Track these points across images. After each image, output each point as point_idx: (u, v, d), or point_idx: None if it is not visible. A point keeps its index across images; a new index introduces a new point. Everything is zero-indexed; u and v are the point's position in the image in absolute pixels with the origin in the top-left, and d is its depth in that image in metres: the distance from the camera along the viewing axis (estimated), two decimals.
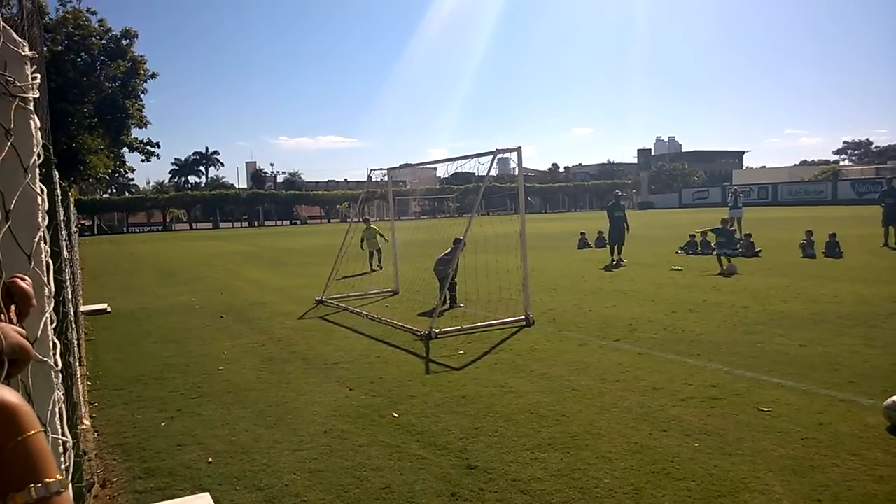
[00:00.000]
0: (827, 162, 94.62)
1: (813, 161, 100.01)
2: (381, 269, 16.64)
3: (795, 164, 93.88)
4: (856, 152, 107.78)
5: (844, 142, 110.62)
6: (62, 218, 4.89)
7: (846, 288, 10.80)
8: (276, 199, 75.52)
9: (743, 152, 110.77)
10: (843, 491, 3.67)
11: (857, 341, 7.10)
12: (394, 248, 13.43)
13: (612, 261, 16.29)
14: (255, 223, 71.64)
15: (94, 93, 40.98)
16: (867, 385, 5.55)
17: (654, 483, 3.89)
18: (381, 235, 16.75)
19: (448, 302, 10.15)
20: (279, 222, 72.97)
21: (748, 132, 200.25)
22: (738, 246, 17.45)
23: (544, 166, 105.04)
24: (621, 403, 5.39)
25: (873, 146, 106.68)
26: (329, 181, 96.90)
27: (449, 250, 10.41)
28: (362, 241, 16.90)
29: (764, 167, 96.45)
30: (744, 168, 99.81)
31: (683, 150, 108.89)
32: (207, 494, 3.92)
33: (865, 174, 68.37)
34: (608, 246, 17.41)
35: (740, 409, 5.11)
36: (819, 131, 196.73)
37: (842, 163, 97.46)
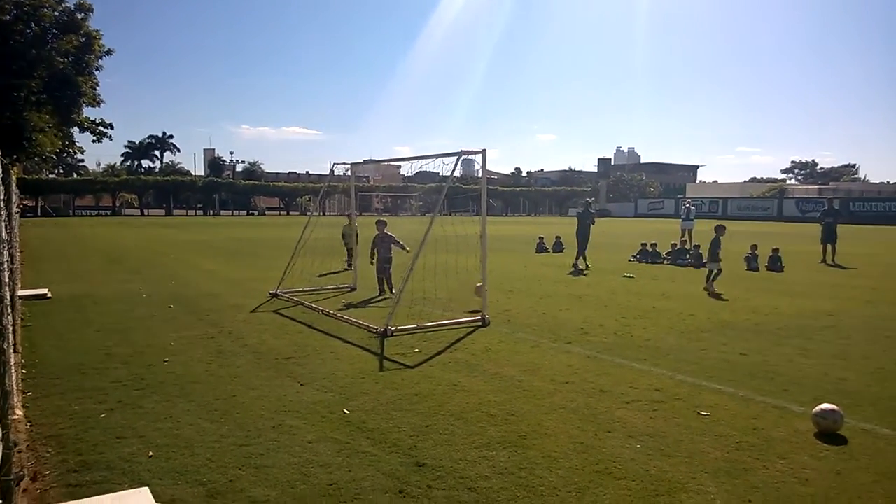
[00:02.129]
0: (775, 180, 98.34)
1: (762, 178, 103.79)
2: (352, 268, 15.41)
3: (746, 181, 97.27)
4: (802, 172, 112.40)
5: (792, 161, 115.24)
6: (2, 197, 4.68)
7: (786, 301, 11.28)
8: (233, 189, 73.89)
9: (697, 166, 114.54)
10: (771, 493, 3.86)
11: (793, 351, 7.45)
12: (354, 245, 13.34)
13: (574, 266, 16.43)
14: (211, 212, 69.99)
15: (43, 67, 39.18)
16: (799, 393, 5.84)
17: (596, 482, 4.00)
18: (357, 234, 15.97)
19: (389, 292, 10.82)
20: (236, 212, 71.48)
21: (703, 147, 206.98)
22: (688, 257, 18.02)
23: (507, 170, 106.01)
24: (569, 404, 5.50)
25: (818, 167, 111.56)
26: (290, 173, 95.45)
27: (381, 236, 11.48)
28: (343, 236, 16.16)
29: (716, 182, 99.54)
30: (697, 182, 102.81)
31: (642, 161, 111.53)
32: (146, 489, 3.82)
33: (809, 193, 71.46)
34: (578, 253, 16.87)
35: (681, 412, 5.30)
36: (770, 150, 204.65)
37: (788, 182, 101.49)
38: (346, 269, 15.29)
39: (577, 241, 17.03)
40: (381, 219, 11.73)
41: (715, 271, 12.48)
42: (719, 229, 13.15)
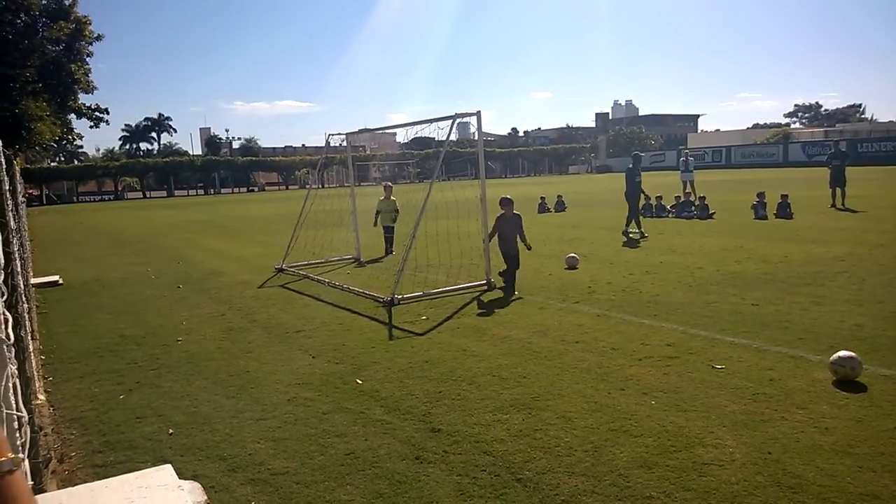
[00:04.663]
0: (778, 125, 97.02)
1: (765, 124, 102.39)
2: (392, 253, 13.04)
3: (748, 128, 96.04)
4: (806, 115, 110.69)
5: (795, 105, 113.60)
6: (7, 187, 4.67)
7: (796, 248, 11.19)
8: (232, 166, 73.70)
9: (698, 116, 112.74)
10: (791, 443, 3.84)
11: (806, 300, 7.38)
12: (354, 216, 13.29)
13: (640, 234, 14.15)
14: (211, 191, 69.92)
15: (36, 56, 38.84)
16: (815, 341, 5.79)
17: (612, 440, 4.01)
18: (397, 210, 13.38)
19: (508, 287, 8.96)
20: (236, 189, 71.35)
21: (703, 96, 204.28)
22: (693, 209, 17.89)
23: (504, 131, 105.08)
24: (581, 364, 5.51)
25: (823, 109, 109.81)
26: (287, 147, 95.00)
27: (507, 218, 9.11)
28: (377, 214, 13.36)
29: (718, 130, 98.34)
30: (699, 131, 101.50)
31: (640, 113, 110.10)
32: (169, 466, 3.87)
33: (815, 137, 70.38)
34: (631, 218, 14.52)
35: (695, 366, 5.28)
36: (771, 95, 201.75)
37: (792, 126, 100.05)
38: (387, 255, 12.94)
39: (627, 202, 14.51)
40: (507, 196, 9.20)
41: None
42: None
